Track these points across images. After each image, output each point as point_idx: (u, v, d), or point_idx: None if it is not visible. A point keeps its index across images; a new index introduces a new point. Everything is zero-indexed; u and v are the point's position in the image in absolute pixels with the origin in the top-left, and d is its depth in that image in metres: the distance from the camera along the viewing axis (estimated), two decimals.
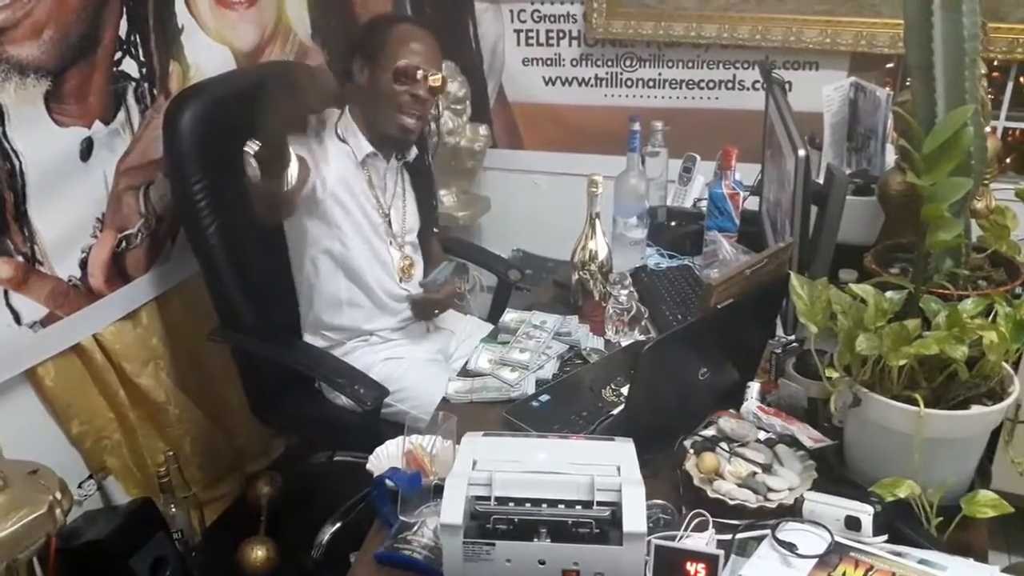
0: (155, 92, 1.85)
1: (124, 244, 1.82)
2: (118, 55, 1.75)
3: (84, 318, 1.75)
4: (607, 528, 0.93)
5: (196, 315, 1.99)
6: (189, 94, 1.78)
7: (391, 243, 1.87)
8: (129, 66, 1.79)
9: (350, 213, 1.78)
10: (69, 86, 1.64)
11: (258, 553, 1.96)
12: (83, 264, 1.74)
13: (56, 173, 1.64)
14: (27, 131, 1.56)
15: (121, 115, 1.78)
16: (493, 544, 0.93)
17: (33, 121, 1.58)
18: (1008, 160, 2.37)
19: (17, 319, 1.60)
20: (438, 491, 1.05)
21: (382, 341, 1.89)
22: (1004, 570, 0.99)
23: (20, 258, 1.59)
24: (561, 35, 2.62)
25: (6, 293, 1.58)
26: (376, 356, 1.85)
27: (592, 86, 2.65)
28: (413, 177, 1.97)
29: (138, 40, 1.80)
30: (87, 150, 1.70)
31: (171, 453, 1.93)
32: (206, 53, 1.98)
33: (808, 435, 1.21)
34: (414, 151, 1.91)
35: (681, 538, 1.06)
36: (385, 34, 1.75)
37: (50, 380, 1.71)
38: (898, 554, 1.01)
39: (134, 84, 1.80)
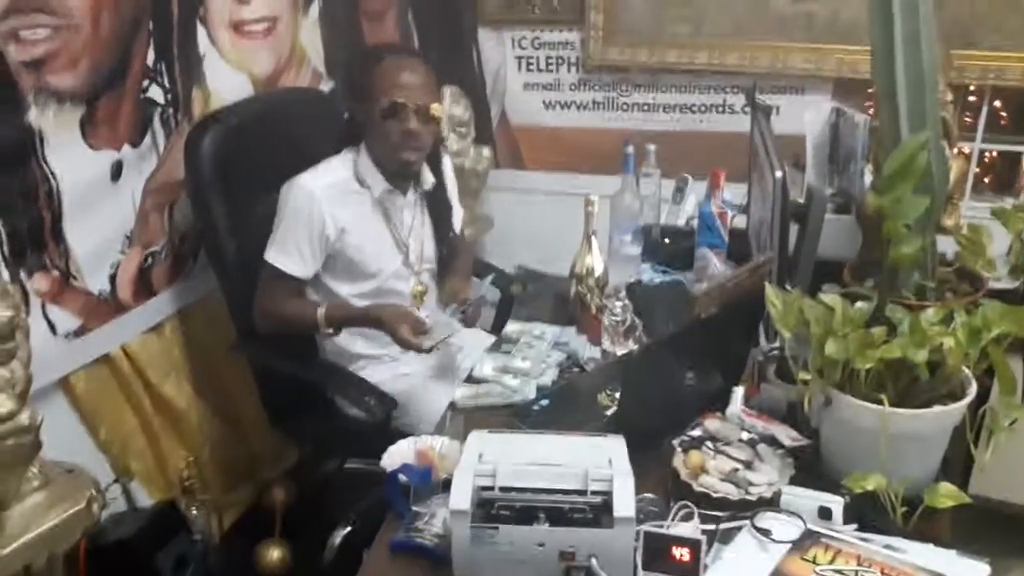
0: (179, 117, 1.97)
1: (150, 260, 1.93)
2: (145, 83, 1.87)
3: (113, 330, 1.85)
4: (599, 514, 1.03)
5: (216, 328, 2.08)
6: (210, 120, 1.89)
7: (408, 273, 1.92)
8: (155, 92, 1.90)
9: (366, 266, 1.84)
10: (101, 112, 1.75)
11: (274, 555, 2.05)
12: (112, 279, 1.84)
13: (89, 194, 1.74)
14: (63, 154, 1.66)
15: (148, 139, 1.88)
16: (497, 528, 1.03)
17: (69, 145, 1.68)
18: (986, 180, 2.49)
19: (53, 330, 1.70)
20: (446, 485, 1.14)
21: (393, 360, 1.92)
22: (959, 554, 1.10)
23: (56, 272, 1.69)
24: (560, 61, 2.75)
25: (43, 305, 1.67)
26: (387, 373, 1.89)
27: (590, 110, 2.77)
28: (431, 205, 1.99)
29: (163, 68, 1.91)
30: (117, 172, 1.81)
31: (192, 459, 2.03)
32: (226, 80, 2.09)
33: (787, 435, 1.32)
34: (431, 179, 1.93)
35: (668, 527, 1.16)
36: (372, 71, 1.77)
37: (81, 388, 1.80)
38: (865, 540, 1.11)
39: (160, 109, 1.91)
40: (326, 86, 2.51)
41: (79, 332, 1.76)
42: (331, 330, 1.79)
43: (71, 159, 1.69)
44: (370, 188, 1.83)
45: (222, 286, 1.90)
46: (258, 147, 1.91)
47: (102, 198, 1.78)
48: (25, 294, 1.60)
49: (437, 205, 1.99)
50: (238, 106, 2.02)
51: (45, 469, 1.45)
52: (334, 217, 1.77)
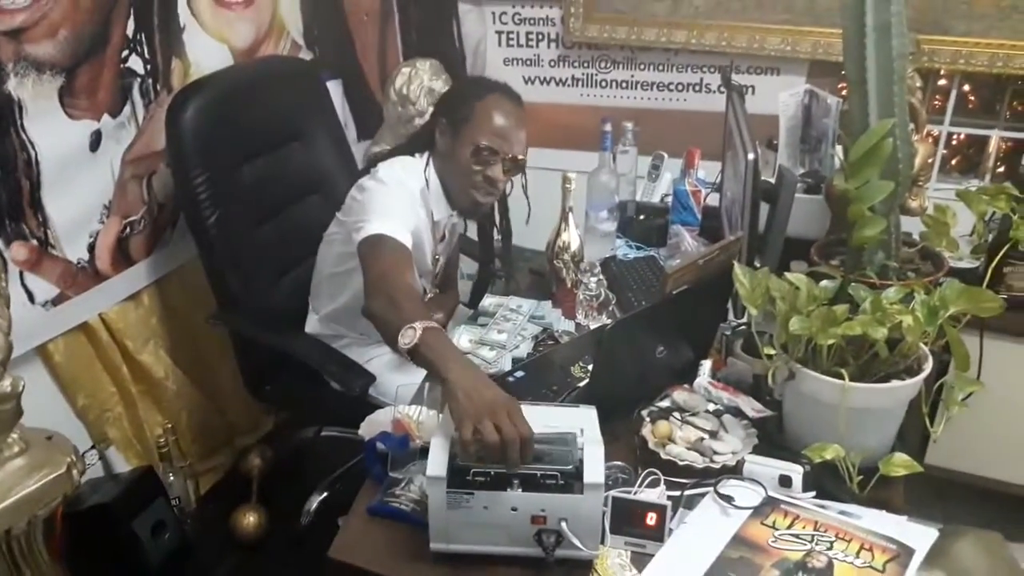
0: (159, 87, 1.97)
1: (129, 230, 1.94)
2: (125, 53, 1.86)
3: (91, 298, 1.86)
4: (570, 480, 1.07)
5: (193, 297, 2.11)
6: (189, 91, 1.87)
7: (427, 280, 1.94)
8: (135, 63, 1.90)
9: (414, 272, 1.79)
10: (80, 82, 1.75)
11: (250, 519, 2.08)
12: (91, 248, 1.85)
13: (68, 163, 1.74)
14: (42, 124, 1.67)
15: (127, 109, 1.89)
16: (472, 493, 1.07)
17: (48, 114, 1.68)
18: (954, 162, 2.55)
19: (31, 298, 1.71)
20: (423, 452, 1.18)
21: (378, 341, 1.86)
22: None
23: (35, 242, 1.70)
24: (540, 37, 2.75)
25: (21, 274, 1.69)
26: (369, 353, 1.90)
27: (569, 86, 2.78)
28: (480, 228, 1.98)
29: (143, 39, 1.90)
30: (96, 142, 1.81)
31: (169, 426, 2.05)
32: (205, 50, 2.09)
33: (751, 407, 1.37)
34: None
35: (636, 493, 1.20)
36: (471, 104, 1.71)
37: (59, 356, 1.82)
38: (822, 507, 1.17)
39: (139, 80, 1.91)
40: (307, 55, 2.50)
41: (57, 300, 1.78)
42: (410, 345, 1.28)
43: (50, 129, 1.69)
44: (432, 212, 1.79)
45: (202, 256, 1.90)
46: (239, 116, 1.92)
47: (81, 168, 1.79)
48: (4, 263, 1.60)
49: (488, 228, 1.99)
50: (219, 76, 2.01)
51: (25, 435, 1.48)
52: (416, 220, 1.73)
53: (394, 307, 1.40)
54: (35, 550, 1.56)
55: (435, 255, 1.91)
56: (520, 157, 1.73)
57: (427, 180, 1.77)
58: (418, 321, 1.29)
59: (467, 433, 1.07)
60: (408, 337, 1.28)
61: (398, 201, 1.66)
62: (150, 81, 1.94)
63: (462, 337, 1.71)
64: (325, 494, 2.13)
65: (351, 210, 1.72)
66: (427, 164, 1.78)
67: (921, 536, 1.09)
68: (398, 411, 1.39)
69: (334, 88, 2.59)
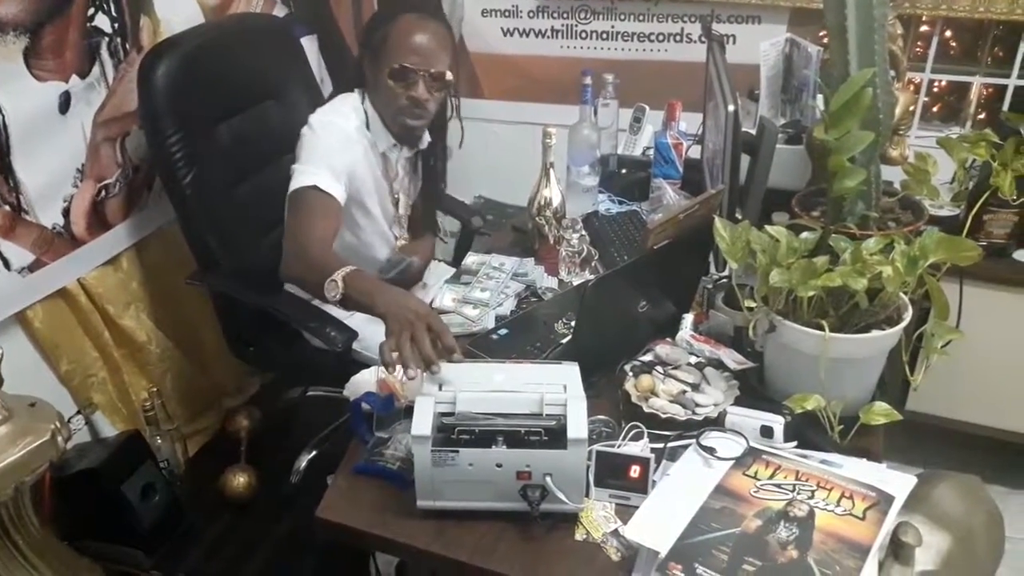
0: (127, 46, 1.92)
1: (104, 193, 1.91)
2: (91, 11, 1.81)
3: (68, 264, 1.84)
4: (554, 435, 1.08)
5: (173, 260, 2.08)
6: (162, 49, 1.83)
7: (395, 224, 1.94)
8: (102, 21, 1.84)
9: (369, 212, 1.83)
10: (46, 42, 1.70)
11: (240, 479, 2.09)
12: (66, 212, 1.82)
13: (37, 126, 1.70)
14: (8, 86, 1.62)
15: (96, 69, 1.84)
16: (457, 451, 1.08)
17: (13, 76, 1.64)
18: (935, 109, 2.54)
19: (6, 265, 1.69)
20: (408, 412, 1.19)
21: None
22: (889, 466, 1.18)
23: (7, 207, 1.67)
24: None
25: None
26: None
27: (548, 38, 2.75)
28: (425, 162, 1.98)
29: None
30: (65, 103, 1.77)
31: (154, 389, 2.04)
32: (175, 7, 2.03)
33: (733, 359, 1.38)
34: (427, 138, 1.92)
35: (620, 446, 1.22)
36: (387, 27, 1.72)
37: (39, 322, 1.81)
38: (804, 456, 1.18)
39: (107, 39, 1.86)
40: (280, 11, 2.45)
41: (33, 267, 1.75)
42: (339, 297, 1.40)
43: (16, 91, 1.65)
44: (375, 143, 1.81)
45: (179, 217, 1.87)
46: (213, 75, 1.88)
47: (51, 131, 1.75)
48: None
49: (433, 163, 1.99)
50: (190, 33, 1.96)
51: (7, 403, 1.47)
52: (354, 158, 1.75)
53: (307, 266, 1.51)
54: (24, 516, 1.57)
55: (394, 195, 1.90)
56: (443, 73, 1.73)
57: (366, 113, 1.78)
58: (336, 272, 1.38)
59: (388, 348, 1.19)
60: (333, 291, 1.39)
61: (325, 145, 1.68)
62: (119, 40, 1.89)
63: (445, 295, 1.71)
64: (314, 453, 2.14)
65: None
66: (363, 98, 1.80)
67: (900, 483, 1.11)
68: (382, 371, 1.39)
69: (309, 44, 2.53)
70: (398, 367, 1.20)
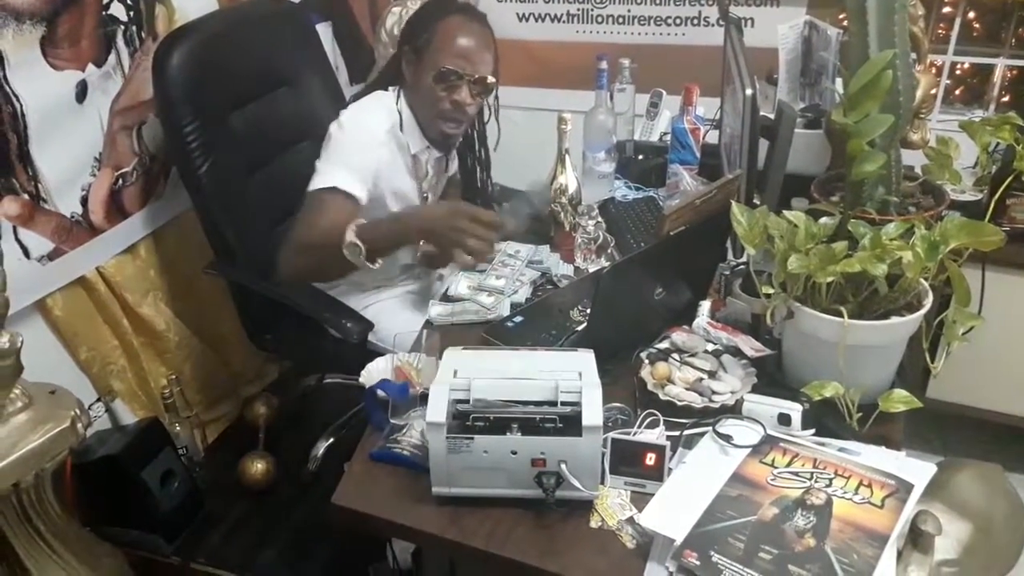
0: (143, 34, 1.92)
1: (121, 182, 1.92)
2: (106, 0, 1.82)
3: (87, 252, 1.85)
4: (569, 423, 1.07)
5: (190, 248, 2.09)
6: (176, 37, 1.83)
7: None
8: (117, 10, 1.85)
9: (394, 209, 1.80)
10: (62, 31, 1.70)
11: (258, 466, 2.10)
12: (84, 201, 1.83)
13: (54, 115, 1.72)
14: (26, 75, 1.63)
15: (112, 58, 1.85)
16: (472, 438, 1.08)
17: (31, 65, 1.65)
18: (957, 92, 2.50)
19: (26, 253, 1.70)
20: (423, 399, 1.18)
21: (375, 288, 1.93)
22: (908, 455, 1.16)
23: (26, 196, 1.69)
24: None
25: (15, 229, 1.67)
26: (366, 300, 1.90)
27: (564, 22, 2.72)
28: (461, 160, 1.96)
29: None
30: (82, 92, 1.78)
31: (173, 377, 2.06)
32: None
33: (750, 346, 1.36)
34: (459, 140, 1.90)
35: (635, 434, 1.21)
36: (432, 27, 1.68)
37: (58, 310, 1.82)
38: (821, 444, 1.17)
39: (123, 27, 1.87)
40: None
41: (52, 255, 1.77)
42: (363, 252, 1.46)
43: (34, 80, 1.66)
44: (407, 144, 1.78)
45: (196, 205, 1.88)
46: (227, 63, 1.88)
47: (68, 120, 1.76)
48: None
49: (470, 164, 1.98)
50: (205, 21, 1.96)
51: (28, 391, 1.49)
52: (380, 159, 1.72)
53: (313, 251, 1.55)
54: (45, 502, 1.59)
55: (422, 193, 1.89)
56: (487, 78, 1.70)
57: (400, 114, 1.75)
58: (346, 235, 1.44)
59: (458, 257, 1.37)
60: (353, 252, 1.42)
61: (352, 144, 1.67)
62: (134, 28, 1.90)
63: (460, 283, 1.70)
64: (331, 440, 2.15)
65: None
66: (398, 97, 1.77)
67: (920, 471, 1.09)
68: (398, 358, 1.39)
69: (324, 31, 2.53)
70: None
